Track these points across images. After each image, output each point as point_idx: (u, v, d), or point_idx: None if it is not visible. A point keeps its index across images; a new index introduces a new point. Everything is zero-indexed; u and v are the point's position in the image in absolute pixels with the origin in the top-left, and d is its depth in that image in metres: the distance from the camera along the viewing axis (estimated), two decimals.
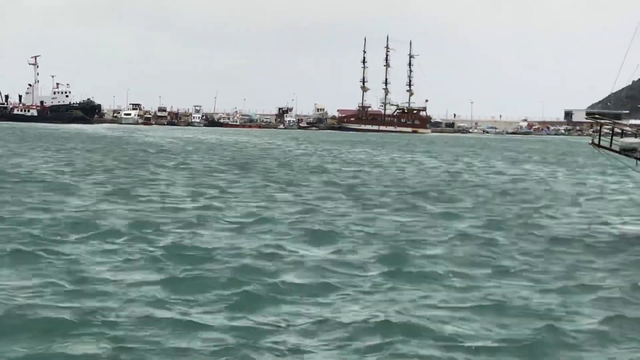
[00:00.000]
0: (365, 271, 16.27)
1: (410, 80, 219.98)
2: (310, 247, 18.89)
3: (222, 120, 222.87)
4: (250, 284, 14.39)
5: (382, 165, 57.47)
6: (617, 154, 25.55)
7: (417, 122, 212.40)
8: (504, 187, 38.51)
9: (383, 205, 28.74)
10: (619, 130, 26.82)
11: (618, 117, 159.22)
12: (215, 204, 27.69)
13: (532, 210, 28.23)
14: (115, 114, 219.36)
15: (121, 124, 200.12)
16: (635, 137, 26.23)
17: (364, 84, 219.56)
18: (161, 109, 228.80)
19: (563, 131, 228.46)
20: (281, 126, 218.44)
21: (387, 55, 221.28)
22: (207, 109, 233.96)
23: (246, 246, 18.62)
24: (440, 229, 22.77)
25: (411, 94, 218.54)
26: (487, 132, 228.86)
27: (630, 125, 31.87)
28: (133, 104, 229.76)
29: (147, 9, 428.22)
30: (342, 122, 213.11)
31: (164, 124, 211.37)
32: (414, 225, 23.36)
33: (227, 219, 23.60)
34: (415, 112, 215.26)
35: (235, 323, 12.07)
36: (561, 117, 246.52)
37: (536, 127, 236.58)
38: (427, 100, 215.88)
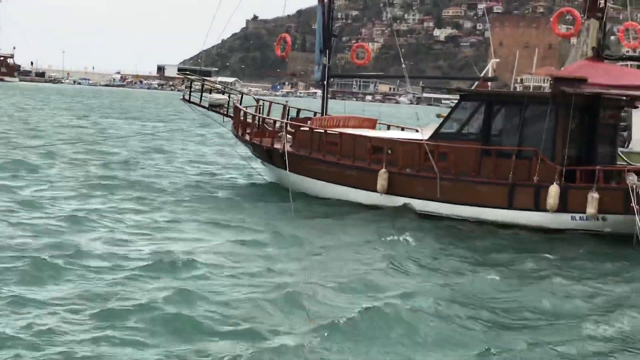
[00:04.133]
0: None
1: None
2: None
3: None
4: None
5: None
6: (206, 110, 26.48)
7: (3, 69, 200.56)
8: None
9: None
10: (209, 87, 27.80)
11: (208, 74, 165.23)
12: None
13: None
14: None
15: None
16: (223, 94, 27.40)
17: None
18: None
19: (156, 85, 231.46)
20: None
21: None
22: None
23: None
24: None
25: None
26: (80, 84, 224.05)
27: (220, 83, 33.22)
28: None
29: None
30: None
31: None
32: None
33: None
34: (1, 59, 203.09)
35: None
36: (154, 72, 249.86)
37: (130, 80, 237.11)
38: (14, 47, 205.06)
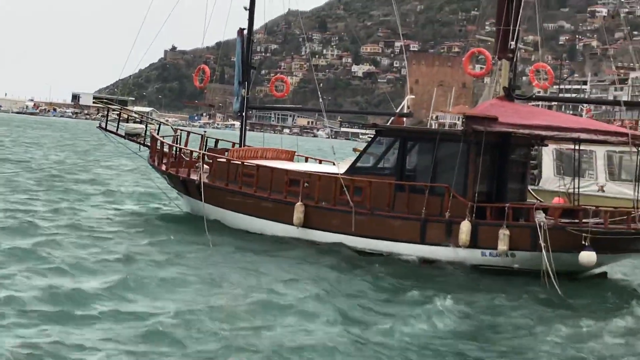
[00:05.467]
0: None
1: None
2: None
3: None
4: None
5: None
6: (123, 139, 26.22)
7: None
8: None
9: None
10: (126, 116, 27.54)
11: (124, 103, 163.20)
12: None
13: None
14: None
15: None
16: (141, 123, 27.19)
17: None
18: None
19: (70, 114, 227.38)
20: None
21: None
22: None
23: None
24: None
25: None
26: None
27: (137, 112, 32.95)
28: None
29: None
30: None
31: None
32: None
33: None
34: None
35: None
36: (69, 100, 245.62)
37: (43, 108, 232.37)
38: None
